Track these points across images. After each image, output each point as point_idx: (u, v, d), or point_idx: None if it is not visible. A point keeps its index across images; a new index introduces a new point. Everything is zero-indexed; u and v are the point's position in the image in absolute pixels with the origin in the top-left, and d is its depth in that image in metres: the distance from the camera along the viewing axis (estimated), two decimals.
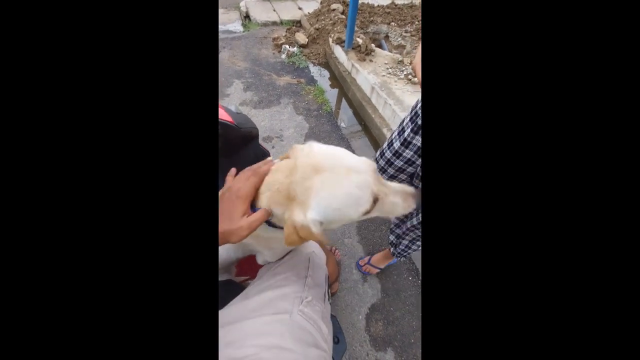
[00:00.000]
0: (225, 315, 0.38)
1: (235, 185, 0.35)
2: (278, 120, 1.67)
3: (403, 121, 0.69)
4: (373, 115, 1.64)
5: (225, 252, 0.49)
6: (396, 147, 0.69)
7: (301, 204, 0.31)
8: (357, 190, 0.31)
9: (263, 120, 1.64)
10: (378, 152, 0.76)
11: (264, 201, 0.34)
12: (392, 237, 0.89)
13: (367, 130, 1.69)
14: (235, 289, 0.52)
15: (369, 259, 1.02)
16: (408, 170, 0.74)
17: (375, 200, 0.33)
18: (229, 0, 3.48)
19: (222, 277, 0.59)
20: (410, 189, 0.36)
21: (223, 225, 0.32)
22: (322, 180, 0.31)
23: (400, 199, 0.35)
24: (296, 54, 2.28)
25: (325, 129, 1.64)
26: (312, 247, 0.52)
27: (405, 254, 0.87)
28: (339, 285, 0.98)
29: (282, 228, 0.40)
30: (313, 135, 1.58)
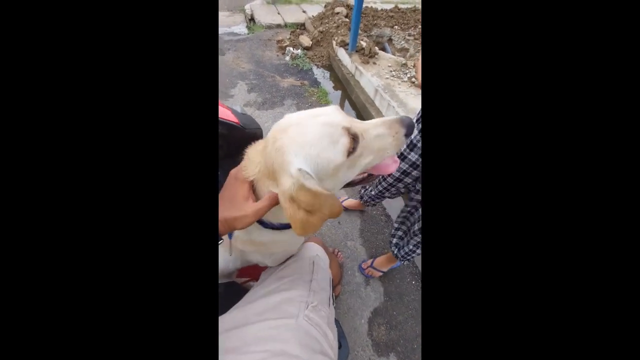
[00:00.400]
0: (228, 319, 0.37)
1: (233, 171, 0.34)
2: None
3: None
4: (376, 117, 1.64)
5: (223, 262, 0.48)
6: (401, 149, 0.68)
7: (281, 168, 0.29)
8: (326, 127, 0.29)
9: (267, 122, 1.65)
10: None
11: (261, 188, 0.32)
12: (394, 240, 0.88)
13: None
14: (237, 291, 0.51)
15: (372, 262, 1.01)
16: (413, 173, 0.73)
17: (355, 137, 0.30)
18: (234, 2, 3.53)
19: (222, 281, 0.59)
20: (393, 117, 0.33)
21: (225, 213, 0.30)
22: (290, 134, 0.30)
23: (384, 129, 0.32)
24: (300, 56, 2.30)
25: None
26: (316, 250, 0.51)
27: (408, 257, 0.86)
28: (342, 288, 0.97)
29: (278, 228, 0.38)
30: None
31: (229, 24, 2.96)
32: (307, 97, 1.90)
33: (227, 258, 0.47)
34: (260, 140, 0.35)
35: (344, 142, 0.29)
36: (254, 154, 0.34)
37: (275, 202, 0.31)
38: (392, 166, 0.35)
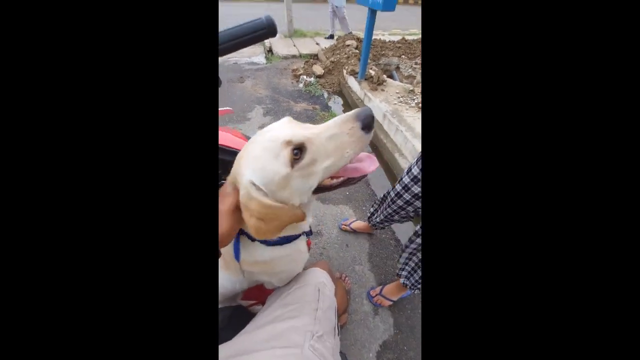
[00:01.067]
0: (235, 344, 0.37)
1: (222, 188, 0.36)
2: None
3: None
4: (385, 141, 1.68)
5: (230, 284, 0.49)
6: (415, 173, 0.70)
7: (238, 179, 0.32)
8: (268, 142, 0.31)
9: None
10: (399, 179, 0.78)
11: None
12: (403, 272, 0.85)
13: (378, 154, 1.72)
14: (244, 315, 0.51)
15: (381, 289, 0.97)
16: (415, 203, 0.74)
17: (301, 147, 0.31)
18: None
19: (227, 304, 0.59)
20: (348, 113, 0.31)
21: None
22: (247, 149, 0.33)
23: (336, 128, 0.31)
24: (312, 84, 2.46)
25: None
26: (321, 276, 0.51)
27: (419, 285, 0.83)
28: (348, 317, 0.93)
29: (279, 243, 0.40)
30: None
31: (249, 54, 3.28)
32: (318, 120, 2.00)
33: (233, 280, 0.48)
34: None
35: (284, 154, 0.30)
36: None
37: (236, 192, 0.33)
38: (370, 165, 0.34)
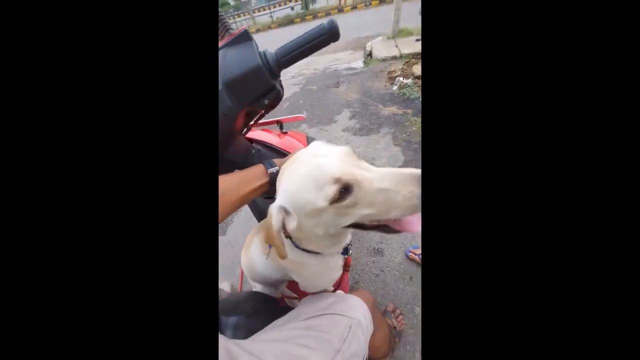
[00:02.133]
0: (249, 345, 0.36)
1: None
2: (372, 149, 1.66)
3: None
4: None
5: (267, 270, 0.51)
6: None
7: (278, 190, 0.33)
8: (314, 171, 0.29)
9: (359, 147, 1.70)
10: None
11: None
12: None
13: None
14: (272, 309, 0.53)
15: None
16: None
17: (348, 187, 0.28)
18: (358, 42, 4.05)
19: (267, 290, 0.63)
20: (408, 170, 0.28)
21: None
22: (289, 168, 0.32)
23: (392, 184, 0.28)
24: (409, 85, 2.22)
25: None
26: (360, 313, 0.43)
27: None
28: None
29: (310, 252, 0.40)
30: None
31: (349, 60, 3.42)
32: (407, 126, 1.79)
33: (270, 265, 0.51)
34: None
35: (329, 190, 0.28)
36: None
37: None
38: (415, 225, 0.31)
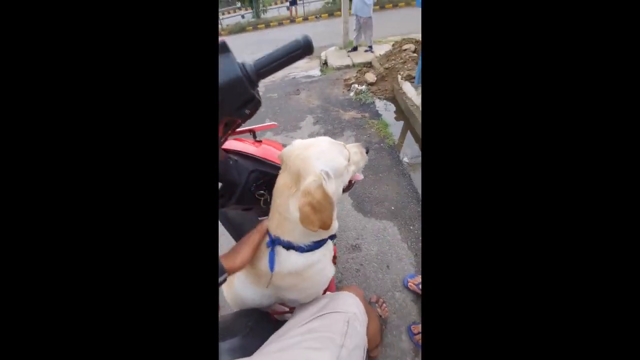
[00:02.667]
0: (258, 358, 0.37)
1: (264, 222, 0.47)
2: None
3: None
4: None
5: (258, 298, 0.51)
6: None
7: (306, 172, 0.41)
8: (332, 144, 0.45)
9: None
10: None
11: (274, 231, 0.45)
12: None
13: None
14: (267, 324, 0.51)
15: None
16: None
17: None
18: (314, 52, 4.21)
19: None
20: (357, 144, 0.52)
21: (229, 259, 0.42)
22: (313, 149, 0.43)
23: (357, 149, 0.50)
24: (364, 92, 2.43)
25: (385, 163, 1.59)
26: (353, 306, 0.46)
27: None
28: (382, 351, 0.82)
29: (311, 249, 0.45)
30: (371, 168, 1.55)
31: (306, 68, 3.53)
32: (366, 128, 1.94)
33: (262, 293, 0.50)
34: (280, 172, 0.46)
35: (345, 152, 0.47)
36: (280, 180, 0.45)
37: (263, 233, 0.47)
38: (359, 176, 0.52)
